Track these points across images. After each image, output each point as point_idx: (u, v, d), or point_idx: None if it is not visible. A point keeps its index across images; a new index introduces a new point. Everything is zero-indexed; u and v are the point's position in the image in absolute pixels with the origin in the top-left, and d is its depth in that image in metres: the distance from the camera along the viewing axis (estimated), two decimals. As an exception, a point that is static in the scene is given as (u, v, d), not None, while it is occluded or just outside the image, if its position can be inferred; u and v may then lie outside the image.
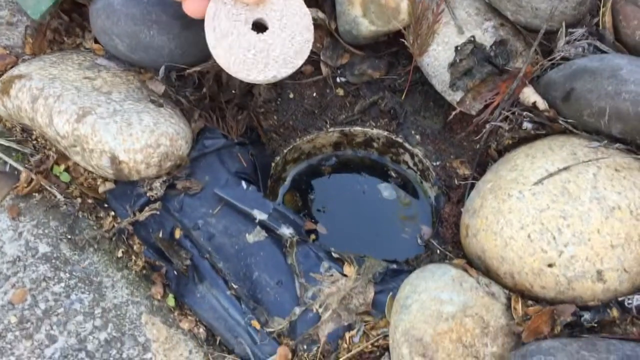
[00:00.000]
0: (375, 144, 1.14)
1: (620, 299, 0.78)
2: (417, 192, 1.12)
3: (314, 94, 1.13)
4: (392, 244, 1.06)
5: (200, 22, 0.97)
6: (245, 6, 0.49)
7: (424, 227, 1.06)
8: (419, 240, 1.04)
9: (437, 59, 1.04)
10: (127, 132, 0.90)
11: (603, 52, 0.97)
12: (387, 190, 1.12)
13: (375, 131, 1.12)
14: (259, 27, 0.50)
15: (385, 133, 1.11)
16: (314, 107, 1.13)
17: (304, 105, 1.13)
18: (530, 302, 0.80)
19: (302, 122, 1.12)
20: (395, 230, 1.08)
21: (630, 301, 0.77)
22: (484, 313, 0.77)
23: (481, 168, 1.03)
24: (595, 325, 0.76)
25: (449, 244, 0.98)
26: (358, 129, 1.12)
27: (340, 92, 1.14)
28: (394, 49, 1.13)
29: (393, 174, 1.14)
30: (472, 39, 1.01)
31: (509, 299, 0.80)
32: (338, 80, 1.13)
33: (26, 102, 0.95)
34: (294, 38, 0.50)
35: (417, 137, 1.10)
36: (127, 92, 0.99)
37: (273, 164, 1.08)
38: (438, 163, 1.07)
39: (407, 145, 1.10)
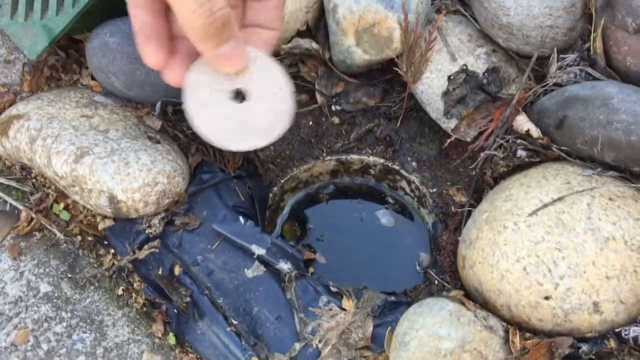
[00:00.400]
0: (372, 171, 1.15)
1: (617, 330, 0.78)
2: (414, 219, 1.13)
3: (310, 123, 1.14)
4: (390, 271, 1.07)
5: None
6: (225, 76, 0.50)
7: (422, 254, 1.07)
8: (418, 268, 1.05)
9: (431, 86, 1.05)
10: (124, 172, 0.91)
11: (595, 78, 0.97)
12: (385, 217, 1.12)
13: (371, 159, 1.12)
14: (239, 95, 0.51)
15: (382, 160, 1.12)
16: (310, 136, 1.13)
17: (300, 134, 1.13)
18: (528, 334, 0.80)
19: (299, 151, 1.13)
20: (393, 258, 1.08)
21: (627, 332, 0.78)
22: (482, 348, 0.78)
23: (477, 194, 1.03)
24: (594, 357, 0.77)
25: (447, 273, 0.98)
26: (355, 156, 1.13)
27: (336, 120, 1.14)
28: (388, 76, 1.13)
29: (391, 201, 1.15)
30: (465, 67, 1.02)
31: (506, 331, 0.81)
32: (333, 108, 1.14)
33: (24, 142, 0.96)
34: (274, 109, 0.51)
35: (414, 163, 1.11)
36: (124, 129, 1.00)
37: (271, 195, 1.09)
38: (435, 190, 1.08)
39: (403, 172, 1.11)
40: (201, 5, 0.42)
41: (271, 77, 0.50)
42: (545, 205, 0.84)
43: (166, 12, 0.51)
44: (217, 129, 0.49)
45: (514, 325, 0.82)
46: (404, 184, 1.13)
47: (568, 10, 0.98)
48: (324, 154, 1.13)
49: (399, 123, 1.13)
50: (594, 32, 1.00)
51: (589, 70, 0.97)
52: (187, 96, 0.50)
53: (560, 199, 0.84)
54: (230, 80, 0.50)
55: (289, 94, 0.50)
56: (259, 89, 0.50)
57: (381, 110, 1.14)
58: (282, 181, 1.10)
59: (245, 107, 0.50)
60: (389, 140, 1.13)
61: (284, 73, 0.51)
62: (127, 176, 0.91)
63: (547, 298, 0.79)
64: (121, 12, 1.09)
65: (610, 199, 0.84)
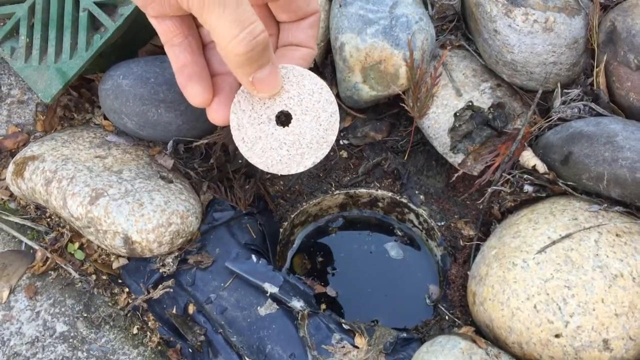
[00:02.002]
0: (380, 204, 1.17)
1: (627, 366, 0.79)
2: (423, 251, 1.14)
3: (319, 157, 1.16)
4: (401, 304, 1.08)
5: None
6: (264, 106, 0.50)
7: (431, 287, 1.08)
8: (427, 301, 1.06)
9: (437, 121, 1.07)
10: (139, 213, 0.93)
11: (598, 113, 0.99)
12: (394, 250, 1.14)
13: (379, 192, 1.14)
14: (283, 119, 0.51)
15: (390, 194, 1.14)
16: (319, 170, 1.15)
17: (309, 169, 1.15)
18: (539, 372, 0.81)
19: (308, 185, 1.15)
20: (403, 290, 1.10)
21: (637, 369, 0.79)
22: (494, 386, 0.79)
23: (485, 228, 1.05)
24: (604, 394, 0.78)
25: (457, 307, 0.99)
26: (363, 190, 1.15)
27: (344, 154, 1.16)
28: (395, 110, 1.15)
29: (399, 233, 1.16)
30: (470, 103, 1.04)
31: (518, 369, 0.82)
32: (341, 142, 1.16)
33: (40, 184, 0.98)
34: (319, 117, 0.50)
35: (421, 196, 1.13)
36: (137, 169, 1.02)
37: (281, 229, 1.10)
38: (443, 223, 1.09)
39: (411, 205, 1.12)
40: (243, 29, 0.43)
41: (306, 87, 0.50)
42: (554, 243, 0.86)
43: (204, 49, 0.53)
44: (274, 160, 0.49)
45: (526, 362, 0.83)
46: (412, 216, 1.14)
47: (571, 46, 1.00)
48: (333, 188, 1.15)
49: (406, 157, 1.15)
50: (596, 67, 1.02)
51: (593, 105, 0.99)
52: (236, 139, 0.50)
53: (568, 235, 0.86)
54: (269, 107, 0.50)
55: (329, 97, 0.50)
56: (300, 104, 0.50)
57: (388, 144, 1.15)
58: (292, 216, 1.12)
59: (293, 127, 0.49)
60: (396, 173, 1.14)
61: (318, 79, 0.50)
62: (142, 217, 0.93)
63: (557, 336, 0.80)
64: (133, 54, 1.11)
65: (617, 235, 0.85)
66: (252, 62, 0.45)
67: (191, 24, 0.51)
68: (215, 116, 0.51)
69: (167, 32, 0.50)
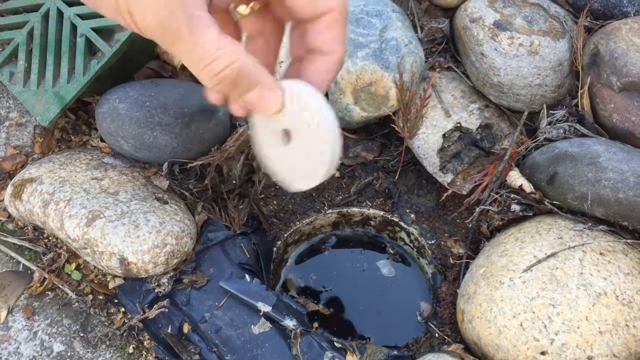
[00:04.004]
0: (372, 222, 1.19)
1: (611, 383, 0.81)
2: (414, 268, 1.16)
3: (311, 177, 1.18)
4: (392, 321, 1.10)
5: (200, 117, 1.03)
6: (272, 117, 0.50)
7: (422, 304, 1.10)
8: (419, 318, 1.08)
9: (427, 141, 1.09)
10: (134, 234, 0.95)
11: (583, 134, 1.01)
12: (385, 268, 1.16)
13: (371, 211, 1.16)
14: (287, 136, 0.50)
15: (381, 212, 1.16)
16: (311, 189, 1.17)
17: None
18: (526, 388, 0.83)
19: (301, 205, 1.17)
20: (395, 308, 1.11)
21: (621, 385, 0.81)
22: (482, 403, 0.80)
23: (475, 246, 1.07)
24: (590, 410, 0.80)
25: (447, 325, 1.01)
26: (355, 209, 1.17)
27: (337, 174, 1.19)
28: (386, 130, 1.18)
29: (391, 251, 1.18)
30: (459, 125, 1.06)
31: (505, 386, 0.84)
32: (334, 162, 1.18)
33: (38, 206, 0.99)
34: (322, 139, 0.48)
35: (412, 215, 1.15)
36: (133, 190, 1.04)
37: (275, 249, 1.12)
38: (433, 241, 1.11)
39: (402, 223, 1.14)
40: (204, 67, 0.43)
41: (310, 110, 0.48)
42: (539, 261, 0.88)
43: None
44: (284, 169, 0.49)
45: (513, 379, 0.85)
46: (403, 234, 1.16)
47: (555, 69, 1.03)
48: (326, 207, 1.17)
49: (397, 176, 1.17)
50: (581, 88, 1.05)
51: (577, 126, 1.02)
52: (255, 139, 0.50)
53: (553, 254, 0.88)
54: (276, 121, 0.49)
55: (331, 121, 0.48)
56: (300, 125, 0.48)
57: (380, 164, 1.18)
58: (286, 235, 1.14)
59: (296, 145, 0.49)
60: (388, 192, 1.17)
61: (323, 101, 0.48)
62: (137, 238, 0.95)
63: (543, 353, 0.82)
64: (129, 77, 1.14)
65: (601, 253, 0.87)
66: (229, 90, 0.45)
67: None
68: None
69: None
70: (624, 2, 1.06)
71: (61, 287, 1.02)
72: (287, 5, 0.47)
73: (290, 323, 0.95)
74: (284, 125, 0.50)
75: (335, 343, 0.94)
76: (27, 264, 1.04)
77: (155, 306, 0.96)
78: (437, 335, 0.99)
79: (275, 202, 1.17)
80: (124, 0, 0.40)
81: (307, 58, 0.49)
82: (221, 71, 0.43)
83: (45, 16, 1.07)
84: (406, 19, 1.13)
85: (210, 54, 0.43)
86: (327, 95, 1.16)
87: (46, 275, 1.02)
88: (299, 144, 0.49)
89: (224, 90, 0.45)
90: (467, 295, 0.93)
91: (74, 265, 1.04)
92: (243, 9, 0.49)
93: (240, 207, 1.09)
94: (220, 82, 0.44)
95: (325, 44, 0.48)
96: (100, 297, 1.03)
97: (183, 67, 1.17)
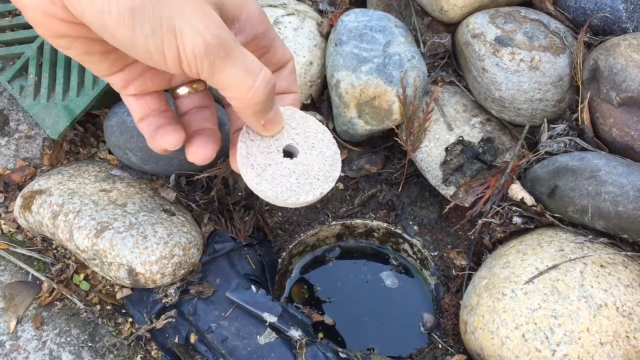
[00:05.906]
0: (375, 234, 1.20)
1: (612, 393, 0.82)
2: (417, 280, 1.18)
3: (316, 189, 1.20)
4: (396, 332, 1.11)
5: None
6: (271, 137, 0.53)
7: (425, 315, 1.12)
8: (422, 329, 1.09)
9: (430, 154, 1.11)
10: (142, 246, 0.96)
11: (584, 148, 1.03)
12: (389, 279, 1.17)
13: (375, 223, 1.18)
14: (288, 154, 0.54)
15: (385, 224, 1.17)
16: (316, 202, 1.19)
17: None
18: (528, 399, 0.84)
19: (306, 217, 1.19)
20: (398, 318, 1.13)
21: (622, 396, 0.82)
22: (485, 413, 0.82)
23: (477, 257, 1.08)
24: (591, 420, 0.81)
25: (450, 336, 1.03)
26: (359, 221, 1.18)
27: (340, 186, 1.20)
28: (389, 143, 1.20)
29: (394, 262, 1.20)
30: (461, 138, 1.08)
31: (508, 396, 0.85)
32: (338, 175, 1.20)
33: (47, 218, 1.01)
34: (324, 153, 0.53)
35: (415, 227, 1.16)
36: (141, 202, 1.05)
37: (280, 260, 1.14)
38: (436, 253, 1.13)
39: (405, 235, 1.16)
40: (256, 78, 0.44)
41: (311, 127, 0.54)
42: (541, 273, 0.89)
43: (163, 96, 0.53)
44: (283, 188, 0.51)
45: (515, 389, 0.86)
46: (406, 246, 1.18)
47: (556, 84, 1.05)
48: (330, 219, 1.18)
49: (400, 188, 1.19)
50: (581, 103, 1.07)
51: (578, 140, 1.04)
52: (244, 166, 0.52)
53: (554, 266, 0.90)
54: (277, 139, 0.53)
55: (330, 138, 0.54)
56: (306, 139, 0.53)
57: (383, 176, 1.20)
58: (291, 246, 1.16)
59: (301, 159, 0.52)
60: (391, 204, 1.19)
61: (320, 123, 0.54)
62: (145, 250, 0.96)
63: (545, 364, 0.84)
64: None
65: (601, 266, 0.89)
66: (267, 106, 0.47)
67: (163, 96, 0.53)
68: (197, 153, 0.52)
69: (144, 107, 0.51)
70: (623, 18, 1.08)
71: (70, 297, 1.03)
72: (268, 60, 0.53)
73: (295, 333, 0.96)
74: (287, 140, 0.53)
75: (340, 353, 0.96)
76: (36, 274, 1.06)
77: (163, 316, 0.98)
78: (440, 346, 1.01)
79: (280, 213, 1.18)
80: (170, 20, 0.40)
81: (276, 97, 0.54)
82: (271, 79, 0.45)
83: (56, 31, 1.09)
84: (409, 34, 1.15)
85: (258, 65, 0.45)
86: (330, 108, 1.18)
87: (55, 286, 1.04)
88: (310, 155, 0.53)
89: (265, 103, 0.46)
90: (470, 306, 0.95)
91: (82, 276, 1.05)
92: (182, 90, 0.53)
93: (246, 218, 1.10)
94: (270, 93, 0.46)
95: (290, 86, 0.55)
96: (108, 307, 1.04)
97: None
